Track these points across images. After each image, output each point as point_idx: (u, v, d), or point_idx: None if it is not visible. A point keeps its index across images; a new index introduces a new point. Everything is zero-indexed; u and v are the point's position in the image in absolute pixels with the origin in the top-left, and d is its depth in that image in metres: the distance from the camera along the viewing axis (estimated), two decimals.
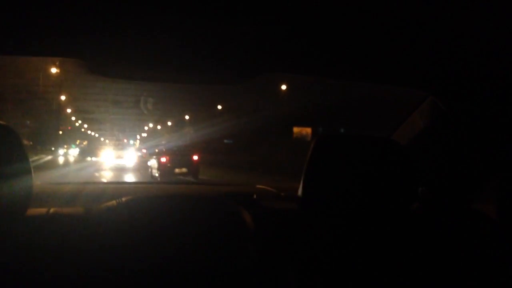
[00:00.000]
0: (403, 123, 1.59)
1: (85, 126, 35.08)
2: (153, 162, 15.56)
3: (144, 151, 22.29)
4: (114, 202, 1.30)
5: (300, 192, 1.18)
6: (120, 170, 17.37)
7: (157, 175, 14.41)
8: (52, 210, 1.29)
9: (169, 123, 28.92)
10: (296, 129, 20.34)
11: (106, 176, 14.91)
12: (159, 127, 30.45)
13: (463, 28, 0.96)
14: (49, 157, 23.45)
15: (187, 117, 26.41)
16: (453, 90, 1.32)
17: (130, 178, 15.27)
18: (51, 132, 28.31)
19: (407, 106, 1.59)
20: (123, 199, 1.31)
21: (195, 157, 15.12)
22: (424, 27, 0.96)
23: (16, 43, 1.11)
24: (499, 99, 1.22)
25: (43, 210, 1.28)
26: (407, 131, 1.56)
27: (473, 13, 0.90)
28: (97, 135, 36.77)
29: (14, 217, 1.10)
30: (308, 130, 19.86)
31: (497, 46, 1.02)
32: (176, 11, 0.94)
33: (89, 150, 28.07)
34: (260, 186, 1.84)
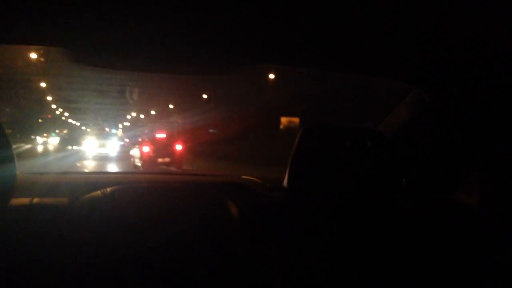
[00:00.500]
0: (389, 115, 1.62)
1: (66, 114, 34.58)
2: (135, 152, 15.45)
3: (127, 140, 22.12)
4: (98, 192, 1.31)
5: (285, 182, 1.20)
6: (103, 159, 17.22)
7: (139, 164, 14.33)
8: (35, 200, 1.29)
9: (153, 112, 28.67)
10: (283, 119, 20.33)
11: (88, 165, 14.78)
12: (142, 116, 30.18)
13: (448, 20, 0.98)
14: (28, 146, 23.14)
15: (171, 106, 26.19)
16: (438, 83, 1.35)
17: (112, 167, 15.17)
18: (31, 120, 27.88)
19: (393, 98, 1.62)
20: (108, 189, 1.32)
21: (179, 147, 15.06)
22: (409, 20, 0.98)
23: None
24: (483, 92, 1.25)
25: (25, 200, 1.28)
26: (392, 123, 1.59)
27: (457, 6, 0.92)
28: (78, 123, 36.32)
29: None
30: (296, 120, 19.87)
31: (481, 39, 1.05)
32: (163, 1, 0.95)
33: (70, 139, 27.75)
34: (246, 177, 1.86)
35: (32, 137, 27.47)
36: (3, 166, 1.08)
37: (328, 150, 1.21)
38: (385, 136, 1.36)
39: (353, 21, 1.01)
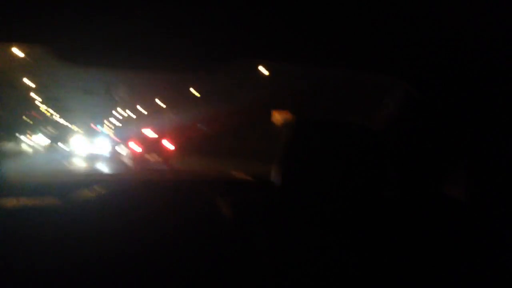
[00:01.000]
0: (377, 110, 1.65)
1: (52, 112, 34.28)
2: (125, 150, 15.37)
3: (116, 138, 21.99)
4: (88, 192, 1.31)
5: (273, 176, 1.22)
6: (91, 158, 17.09)
7: (129, 163, 14.27)
8: (23, 200, 1.29)
9: (143, 110, 28.54)
10: (275, 114, 20.34)
11: (76, 164, 14.68)
12: (131, 114, 30.05)
13: (436, 14, 1.00)
14: (11, 144, 22.88)
15: (160, 103, 26.08)
16: (424, 77, 1.38)
17: (101, 166, 15.06)
18: (16, 118, 27.58)
19: (382, 92, 1.64)
20: (97, 188, 1.33)
21: (169, 145, 15.01)
22: (396, 13, 1.00)
23: None
24: (471, 86, 1.28)
25: (13, 200, 1.28)
26: (381, 117, 1.62)
27: (445, 1, 0.95)
28: (65, 122, 36.02)
29: None
30: (288, 115, 19.88)
31: (469, 32, 1.07)
32: None
33: (56, 137, 27.51)
34: (235, 173, 1.88)
35: (17, 135, 27.10)
36: None
37: (319, 145, 1.23)
38: (374, 131, 1.39)
39: (341, 15, 1.03)
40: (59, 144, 24.35)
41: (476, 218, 1.30)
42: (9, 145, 22.03)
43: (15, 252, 1.12)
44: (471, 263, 1.23)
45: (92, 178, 1.72)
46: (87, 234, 1.17)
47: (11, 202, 1.27)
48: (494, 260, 1.22)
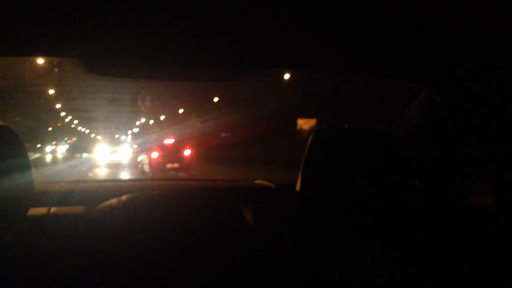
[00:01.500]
0: (400, 116, 1.65)
1: (75, 122, 35.00)
2: (144, 158, 15.53)
3: (135, 146, 22.27)
4: (114, 200, 1.35)
5: (298, 186, 1.24)
6: (113, 166, 17.35)
7: (148, 170, 14.40)
8: (53, 209, 1.34)
9: (162, 118, 28.85)
10: (300, 121, 20.29)
11: (99, 173, 14.90)
12: (151, 122, 30.40)
13: (459, 20, 1.01)
14: (37, 155, 23.40)
15: (181, 111, 26.32)
16: (448, 83, 1.39)
17: (121, 174, 15.25)
18: (41, 128, 28.26)
19: (404, 98, 1.65)
20: (123, 197, 1.37)
21: (188, 152, 15.09)
22: (420, 20, 1.02)
23: (13, 43, 1.16)
24: (493, 91, 1.28)
25: (43, 210, 1.33)
26: (403, 124, 1.62)
27: (468, 7, 0.95)
28: (87, 131, 36.71)
29: (16, 216, 1.14)
30: (313, 122, 19.80)
31: (492, 38, 1.08)
32: (172, 9, 0.99)
33: (79, 147, 28.03)
34: (259, 181, 1.90)
35: (38, 145, 27.60)
36: (20, 175, 1.10)
37: (339, 153, 1.24)
38: (396, 138, 1.39)
39: (362, 22, 1.04)
40: (83, 154, 24.79)
41: (501, 225, 1.29)
42: (35, 155, 22.58)
43: (47, 261, 1.16)
44: (496, 270, 1.22)
45: (116, 187, 1.76)
46: (114, 242, 1.21)
47: (40, 211, 1.32)
48: None
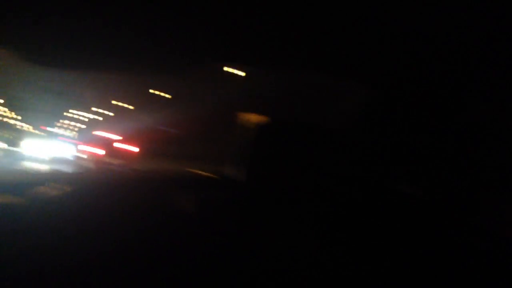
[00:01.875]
0: (340, 111, 1.71)
1: (9, 114, 33.25)
2: (86, 153, 15.21)
3: (78, 141, 21.68)
4: (45, 188, 1.31)
5: (241, 175, 1.26)
6: (48, 161, 16.81)
7: (90, 165, 14.16)
8: None
9: (108, 112, 28.11)
10: (242, 116, 20.41)
11: (32, 166, 14.42)
12: (97, 117, 29.52)
13: (396, 24, 1.07)
14: None
15: (125, 105, 25.77)
16: (383, 82, 1.45)
17: (58, 167, 14.88)
18: None
19: (343, 95, 1.71)
20: (55, 185, 1.33)
21: (132, 148, 14.93)
22: (359, 20, 1.06)
23: None
24: (424, 89, 1.35)
25: None
26: (344, 119, 1.69)
27: (405, 8, 1.00)
28: (23, 124, 34.98)
29: None
30: (254, 117, 19.96)
31: (422, 42, 1.14)
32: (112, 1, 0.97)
33: (13, 141, 26.76)
34: (190, 169, 1.90)
35: None
36: None
37: (282, 145, 1.28)
38: (335, 130, 1.44)
39: (311, 23, 1.07)
40: (16, 147, 23.69)
41: (428, 213, 1.37)
42: None
43: None
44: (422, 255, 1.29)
45: (48, 176, 1.71)
46: (47, 229, 1.18)
47: None
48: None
